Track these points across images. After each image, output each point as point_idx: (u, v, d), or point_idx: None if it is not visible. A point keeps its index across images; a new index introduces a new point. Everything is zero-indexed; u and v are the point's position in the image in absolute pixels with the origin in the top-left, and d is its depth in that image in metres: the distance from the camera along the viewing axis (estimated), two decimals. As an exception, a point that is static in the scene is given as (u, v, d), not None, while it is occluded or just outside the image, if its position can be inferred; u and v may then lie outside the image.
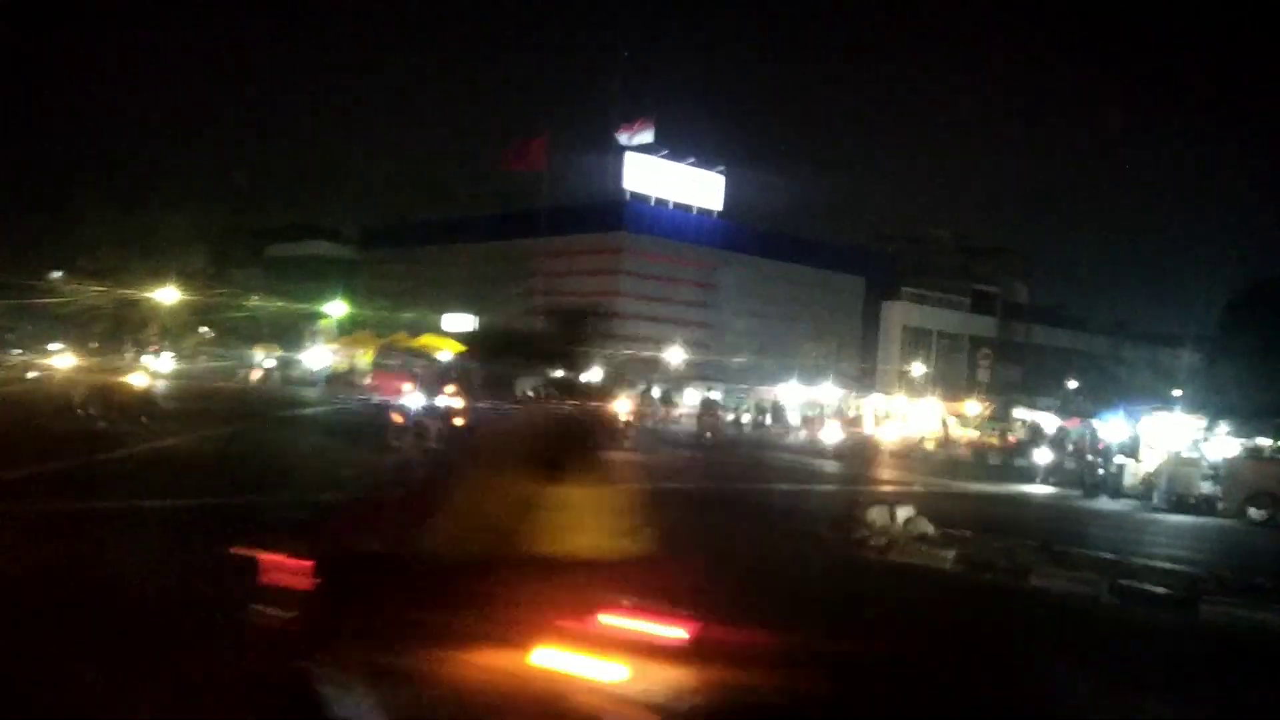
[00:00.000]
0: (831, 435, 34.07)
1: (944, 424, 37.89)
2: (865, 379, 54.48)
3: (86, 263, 43.62)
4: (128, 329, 43.00)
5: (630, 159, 55.66)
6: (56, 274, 43.63)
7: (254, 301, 50.98)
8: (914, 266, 63.40)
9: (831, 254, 61.19)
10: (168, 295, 42.12)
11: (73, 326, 40.98)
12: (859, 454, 31.65)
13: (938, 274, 63.49)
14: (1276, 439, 22.82)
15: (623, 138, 56.00)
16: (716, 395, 37.76)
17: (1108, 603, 9.17)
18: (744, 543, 11.27)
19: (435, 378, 35.58)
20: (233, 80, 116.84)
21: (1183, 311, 57.89)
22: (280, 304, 50.11)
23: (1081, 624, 8.49)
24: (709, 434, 29.13)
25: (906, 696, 5.76)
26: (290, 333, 49.92)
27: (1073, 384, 50.71)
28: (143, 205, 52.31)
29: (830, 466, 24.52)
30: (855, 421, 41.56)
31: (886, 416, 42.99)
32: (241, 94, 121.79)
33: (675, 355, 48.65)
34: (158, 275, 41.91)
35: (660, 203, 57.25)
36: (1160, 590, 9.40)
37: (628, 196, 56.06)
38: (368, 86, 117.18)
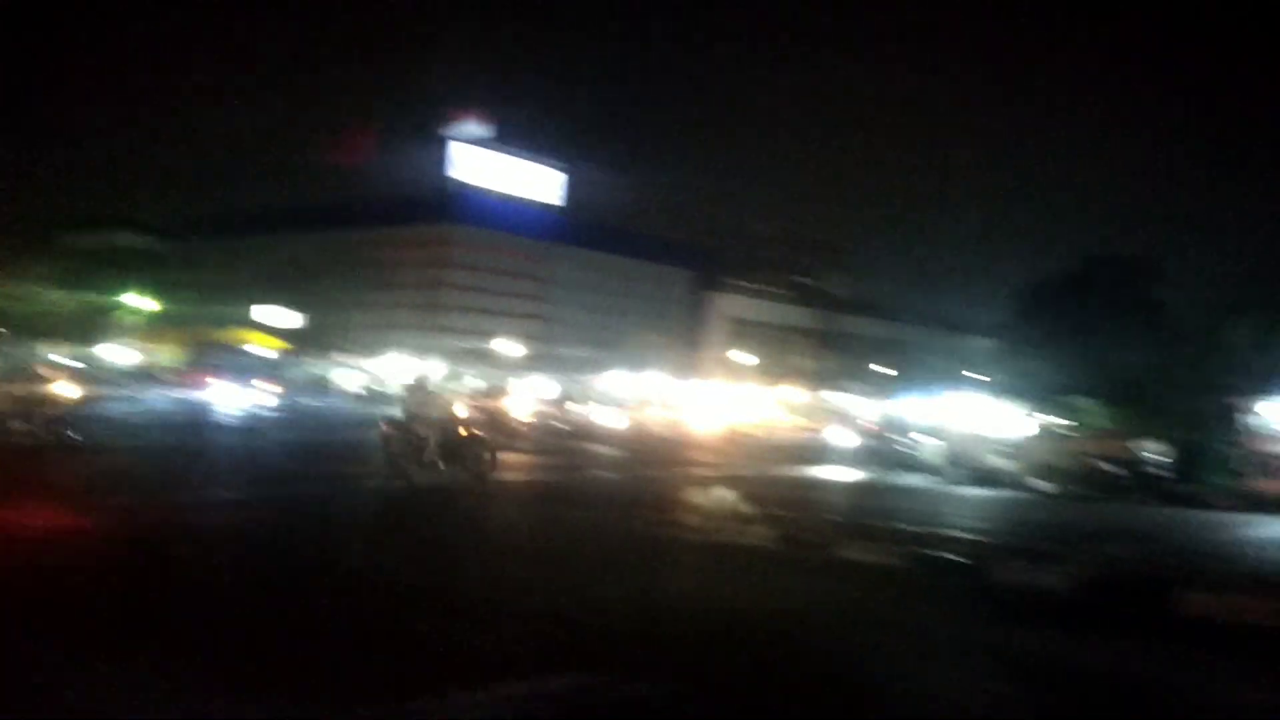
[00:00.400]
0: (655, 423, 34.67)
1: (765, 410, 39.32)
2: (692, 367, 55.81)
3: None
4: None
5: (457, 149, 54.85)
6: None
7: (50, 295, 46.99)
8: (740, 261, 65.46)
9: (662, 248, 62.30)
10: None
11: None
12: (683, 441, 32.38)
13: (762, 268, 65.80)
14: (1063, 418, 24.87)
15: (452, 129, 55.08)
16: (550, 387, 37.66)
17: (907, 570, 9.73)
18: (566, 531, 11.38)
19: (255, 374, 34.11)
20: (31, 59, 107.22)
21: (984, 304, 62.11)
22: (82, 298, 46.41)
23: (883, 590, 8.98)
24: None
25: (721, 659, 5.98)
26: (89, 328, 46.33)
27: (885, 370, 53.64)
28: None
29: (653, 454, 24.96)
30: (680, 408, 42.46)
31: (710, 403, 44.09)
32: (39, 79, 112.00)
33: (508, 347, 48.34)
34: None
35: (498, 197, 56.69)
36: (953, 558, 10.06)
37: (456, 187, 55.19)
38: (186, 75, 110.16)
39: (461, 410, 16.01)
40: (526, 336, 51.25)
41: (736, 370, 53.75)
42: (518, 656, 5.85)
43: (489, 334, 49.49)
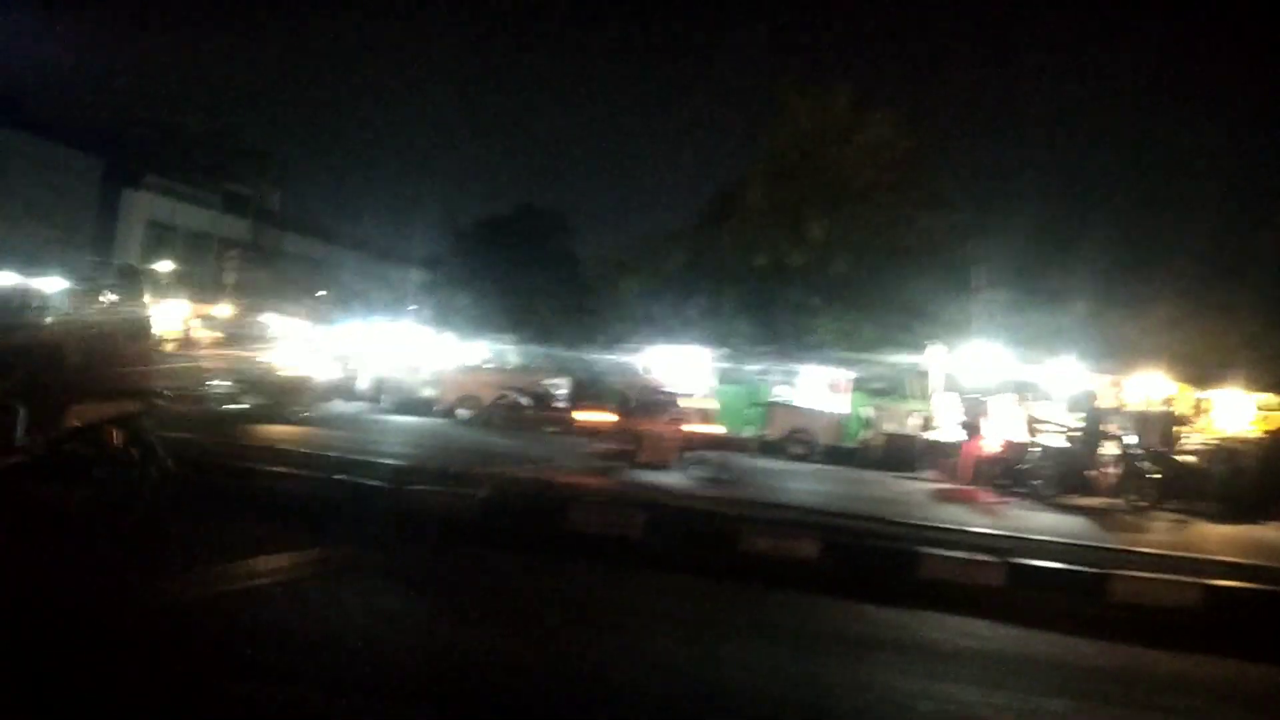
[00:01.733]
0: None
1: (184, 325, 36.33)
2: (100, 272, 49.20)
3: None
4: None
5: None
6: None
7: None
8: (162, 158, 58.87)
9: (67, 129, 53.49)
10: None
11: None
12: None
13: (188, 169, 59.92)
14: (488, 353, 26.88)
15: None
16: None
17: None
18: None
19: None
20: None
21: (418, 237, 63.80)
22: None
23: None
24: None
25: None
26: None
27: (320, 293, 52.70)
28: None
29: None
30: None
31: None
32: None
33: None
34: None
35: None
36: (375, 482, 10.60)
37: None
38: None
39: None
40: None
41: (156, 279, 48.69)
42: None
43: None
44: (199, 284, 50.53)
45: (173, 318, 39.34)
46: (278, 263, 60.98)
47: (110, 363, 8.13)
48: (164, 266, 51.11)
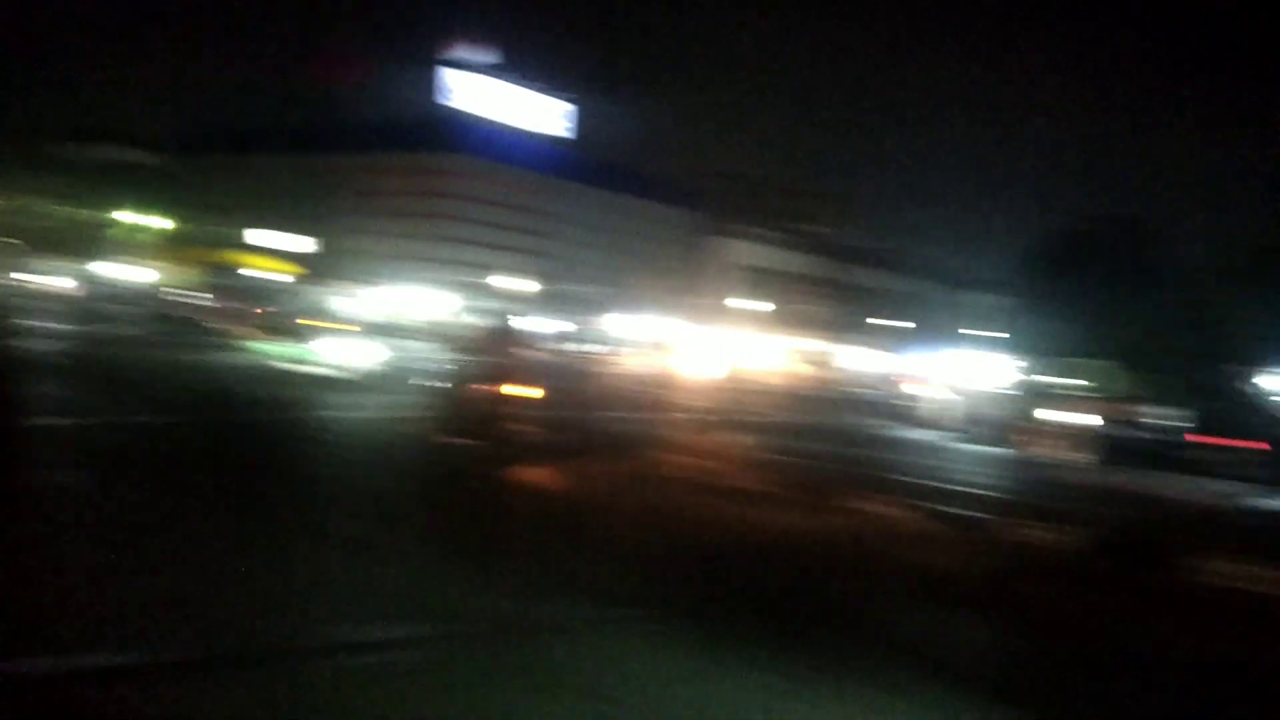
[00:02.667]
0: (659, 366, 34.54)
1: (773, 359, 39.18)
2: (694, 313, 55.57)
3: None
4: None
5: (451, 76, 53.71)
6: None
7: (49, 208, 46.29)
8: (745, 205, 64.73)
9: (667, 188, 61.57)
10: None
11: None
12: (685, 387, 32.19)
13: (765, 213, 65.12)
14: (1073, 378, 24.68)
15: (447, 54, 53.93)
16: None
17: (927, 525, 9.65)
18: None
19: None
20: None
21: (981, 258, 61.86)
22: (75, 211, 45.77)
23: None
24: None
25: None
26: (88, 244, 45.65)
27: (890, 322, 53.47)
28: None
29: (658, 397, 24.81)
30: (684, 353, 42.31)
31: (716, 349, 44.01)
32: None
33: (506, 282, 47.86)
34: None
35: (500, 127, 55.76)
36: (968, 513, 10.05)
37: (450, 115, 54.21)
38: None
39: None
40: (526, 272, 50.76)
41: (741, 317, 53.51)
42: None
43: (488, 268, 48.98)
44: (787, 320, 54.53)
45: (760, 351, 42.94)
46: (853, 296, 63.50)
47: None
48: (758, 305, 56.07)
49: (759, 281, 61.32)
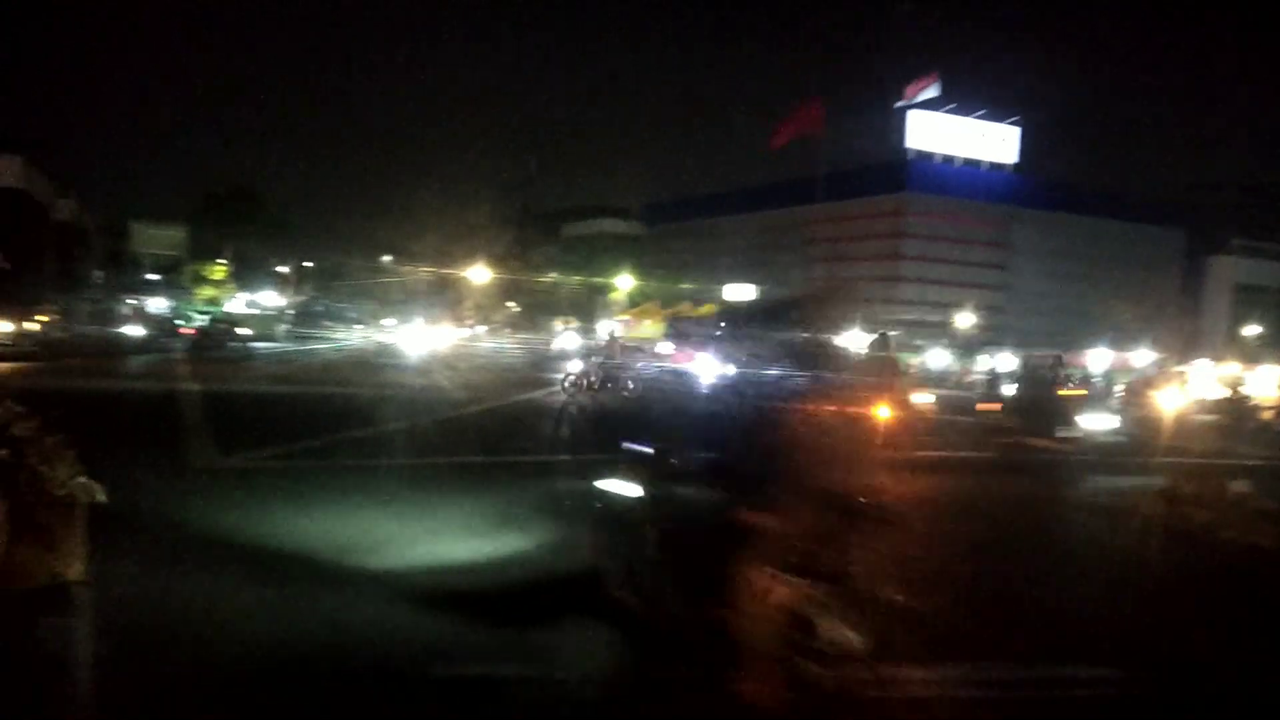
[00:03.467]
0: (1150, 404, 31.37)
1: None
2: (1189, 342, 49.48)
3: (416, 248, 48.78)
4: (446, 305, 47.75)
5: (914, 116, 53.76)
6: (387, 258, 49.19)
7: (551, 278, 54.72)
8: (1247, 217, 56.38)
9: (1143, 207, 55.89)
10: (479, 274, 46.21)
11: (401, 304, 45.90)
12: (1179, 425, 28.81)
13: (1276, 226, 56.09)
14: None
15: (908, 98, 54.12)
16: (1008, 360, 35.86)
17: None
18: (1060, 518, 10.90)
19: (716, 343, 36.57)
20: (519, 77, 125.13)
21: None
22: (576, 279, 53.41)
23: None
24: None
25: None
26: (585, 306, 53.08)
27: None
28: (451, 196, 57.79)
29: (1142, 437, 22.64)
30: (1177, 389, 37.92)
31: (1213, 382, 38.86)
32: (528, 91, 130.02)
33: (965, 319, 46.62)
34: (470, 257, 46.10)
35: (947, 160, 54.89)
36: None
37: (911, 155, 54.25)
38: (643, 69, 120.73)
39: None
40: (987, 308, 48.97)
41: (1246, 344, 46.72)
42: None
43: (947, 305, 48.07)
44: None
45: (1268, 381, 37.05)
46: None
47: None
48: (1251, 330, 48.77)
49: (1257, 301, 53.01)
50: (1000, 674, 5.11)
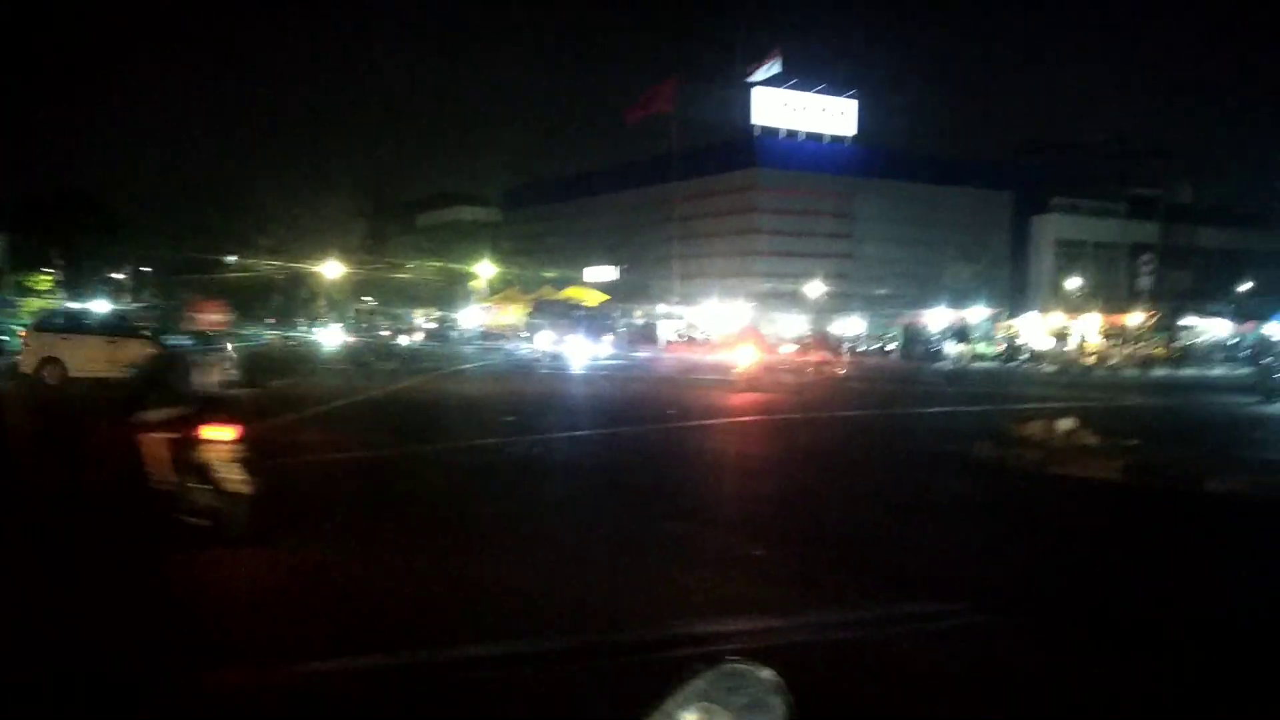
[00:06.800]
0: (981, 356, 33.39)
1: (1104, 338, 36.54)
2: (1018, 297, 52.69)
3: (263, 241, 46.69)
4: (297, 303, 46.15)
5: (758, 94, 54.99)
6: (232, 257, 47.02)
7: (409, 269, 53.62)
8: (1067, 175, 60.22)
9: (974, 171, 58.95)
10: (332, 269, 44.81)
11: (249, 301, 43.85)
12: (1010, 375, 30.96)
13: (1093, 181, 60.16)
14: None
15: (751, 75, 55.26)
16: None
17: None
18: (905, 463, 11.63)
19: (588, 328, 37.00)
20: (367, 68, 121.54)
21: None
22: (433, 268, 52.52)
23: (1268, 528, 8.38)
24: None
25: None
26: (444, 296, 52.27)
27: (1245, 286, 47.63)
28: (303, 189, 55.71)
29: (983, 388, 24.21)
30: (1011, 341, 40.53)
31: (1041, 333, 41.75)
32: (376, 80, 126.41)
33: (815, 288, 48.23)
34: (322, 251, 44.62)
35: (791, 134, 56.46)
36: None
37: (757, 132, 55.54)
38: (497, 54, 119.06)
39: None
40: (836, 276, 50.84)
41: (1069, 296, 50.09)
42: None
43: (797, 276, 49.65)
44: (1112, 294, 50.32)
45: (1084, 330, 40.12)
46: (1194, 260, 57.11)
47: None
48: (1073, 283, 52.32)
49: (1084, 257, 57.04)
50: (856, 614, 5.55)
